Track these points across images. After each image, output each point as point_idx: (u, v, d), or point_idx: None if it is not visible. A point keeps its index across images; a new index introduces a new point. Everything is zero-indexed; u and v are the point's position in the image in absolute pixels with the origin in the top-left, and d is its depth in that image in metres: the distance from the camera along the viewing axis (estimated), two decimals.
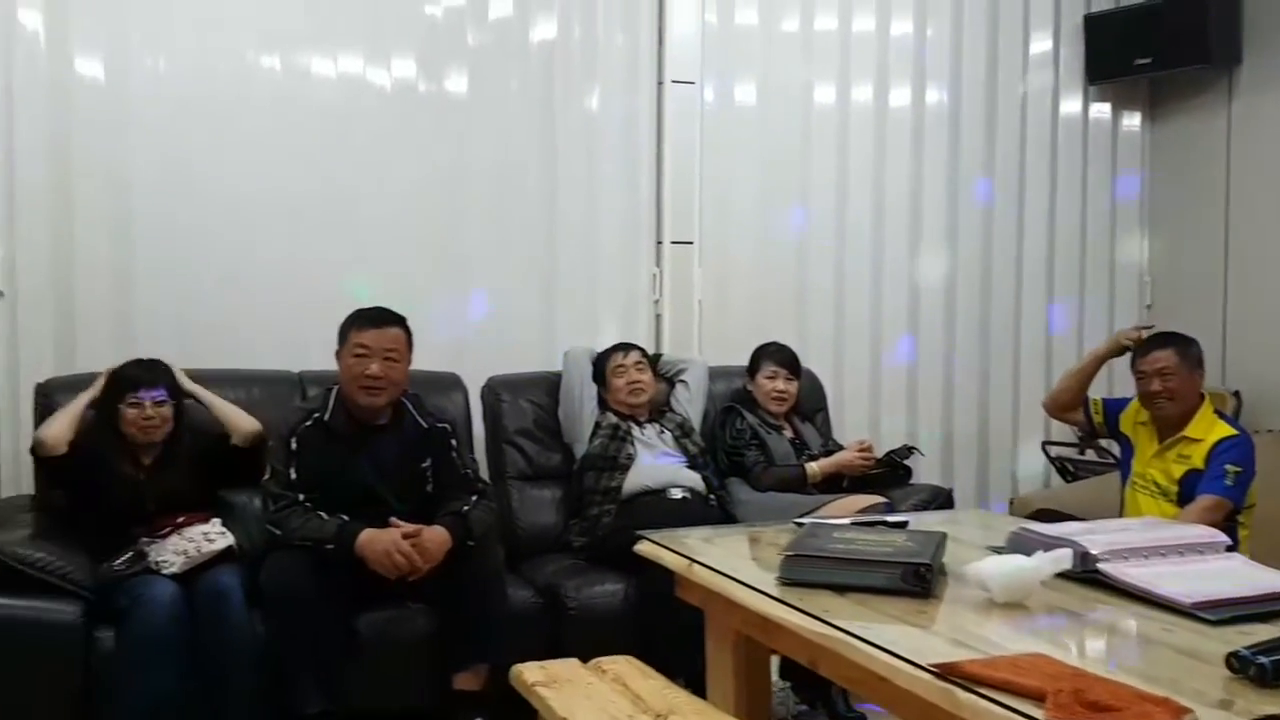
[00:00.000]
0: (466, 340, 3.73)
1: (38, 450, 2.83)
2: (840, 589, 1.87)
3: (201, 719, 2.54)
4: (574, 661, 2.12)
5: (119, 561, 2.63)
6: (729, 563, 2.13)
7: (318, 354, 3.43)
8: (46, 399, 3.01)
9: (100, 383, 2.88)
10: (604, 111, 3.93)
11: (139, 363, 2.90)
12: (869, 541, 2.00)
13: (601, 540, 3.17)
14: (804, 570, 1.91)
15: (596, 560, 3.14)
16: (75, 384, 3.04)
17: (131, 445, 2.82)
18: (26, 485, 3.18)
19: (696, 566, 2.14)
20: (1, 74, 3.20)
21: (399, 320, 2.87)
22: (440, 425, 2.96)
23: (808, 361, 3.77)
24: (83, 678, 2.49)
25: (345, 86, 3.59)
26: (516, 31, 3.79)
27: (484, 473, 3.24)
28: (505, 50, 3.78)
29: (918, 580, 1.85)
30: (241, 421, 2.94)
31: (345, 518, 2.68)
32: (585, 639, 2.76)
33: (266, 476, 2.77)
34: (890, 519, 2.36)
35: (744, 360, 3.70)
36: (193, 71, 3.42)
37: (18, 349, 3.28)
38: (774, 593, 1.88)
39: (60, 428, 2.79)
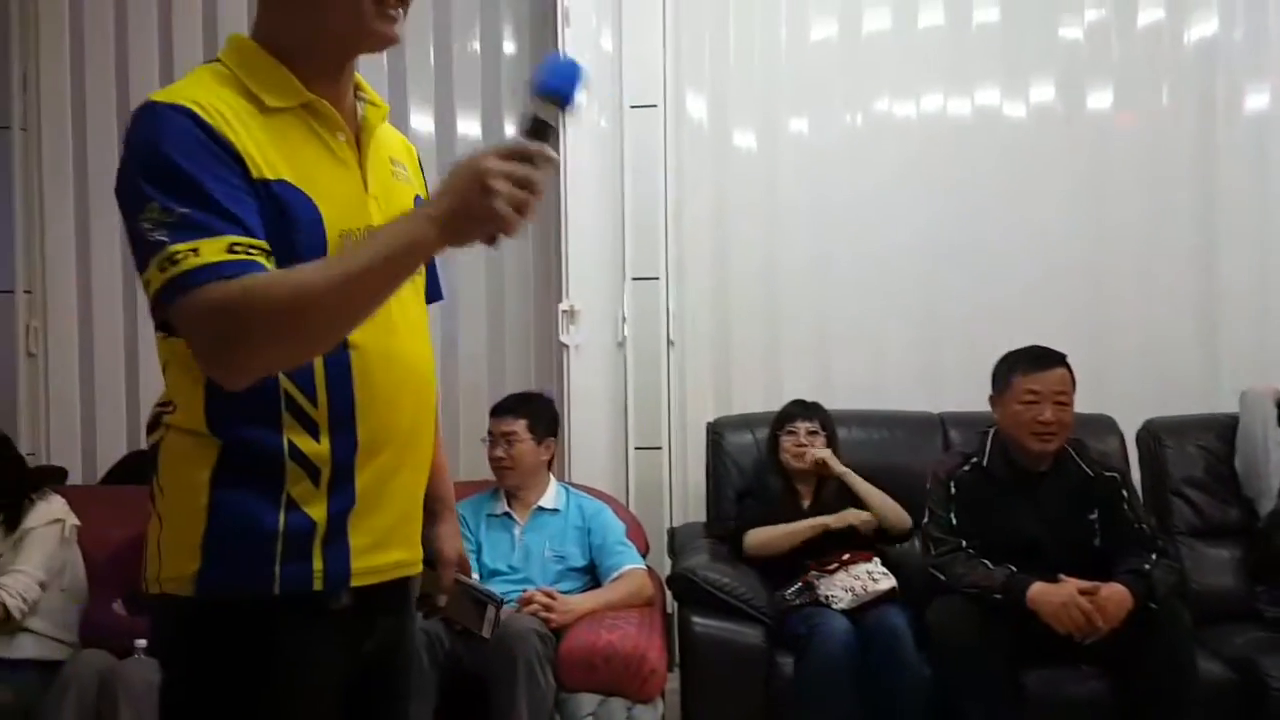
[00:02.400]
0: (1115, 378, 3.42)
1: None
2: None
3: None
4: None
5: (790, 591, 2.78)
6: None
7: (957, 395, 3.41)
8: (717, 436, 3.32)
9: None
10: (1276, 111, 3.40)
11: (798, 401, 3.09)
12: None
13: None
14: None
15: None
16: (740, 423, 3.33)
17: (795, 481, 2.98)
18: (695, 513, 3.55)
19: None
20: (674, 155, 3.62)
21: (1063, 360, 2.72)
22: (1108, 474, 2.74)
23: None
24: (765, 698, 2.66)
25: (981, 120, 3.53)
26: (1168, 36, 3.44)
27: None
28: (1154, 58, 3.46)
29: None
30: (897, 517, 2.90)
31: (1013, 568, 2.57)
32: None
33: (925, 519, 2.76)
34: None
35: None
36: (830, 126, 3.59)
37: (685, 391, 3.67)
38: None
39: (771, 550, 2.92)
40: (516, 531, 2.90)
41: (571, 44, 3.18)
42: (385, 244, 1.11)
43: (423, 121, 3.70)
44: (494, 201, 1.06)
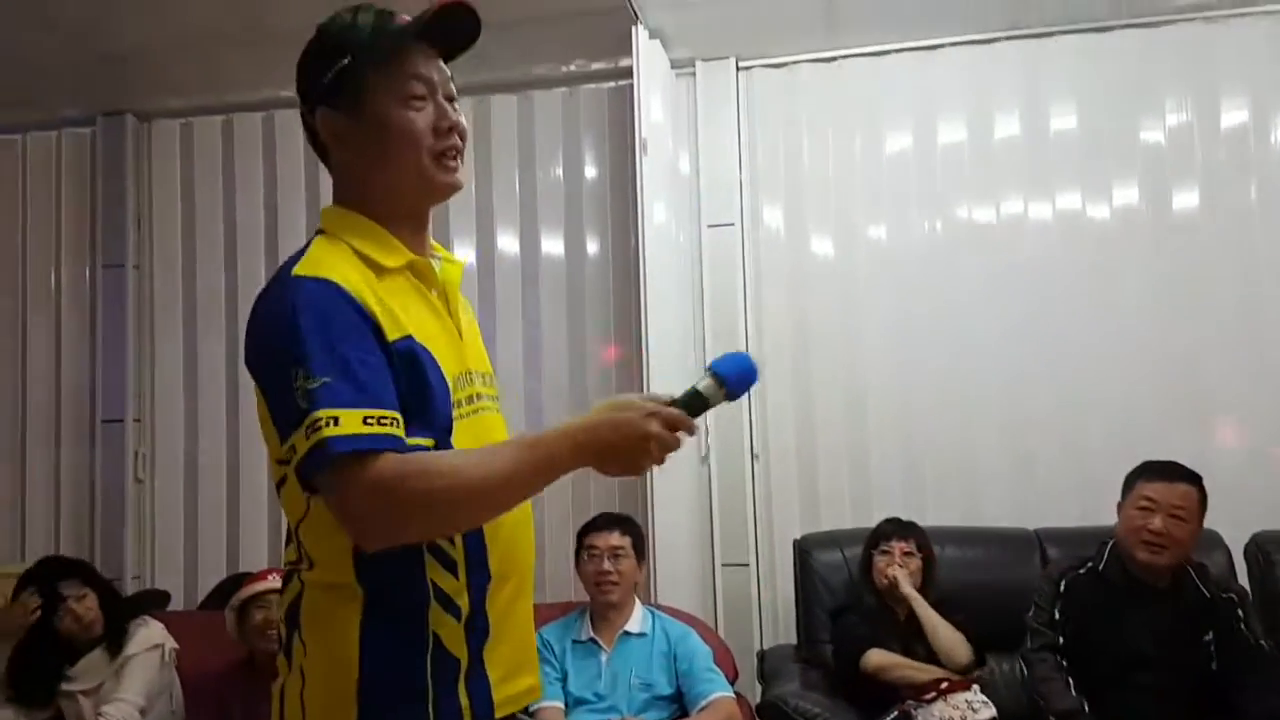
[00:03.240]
0: (1218, 489, 3.23)
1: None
2: None
3: None
4: None
5: None
6: None
7: (1054, 509, 3.30)
8: (805, 554, 3.26)
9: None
10: None
11: (894, 520, 3.03)
12: None
13: None
14: None
15: None
16: (828, 540, 3.27)
17: (890, 601, 2.91)
18: (785, 634, 3.47)
19: None
20: (752, 269, 3.68)
21: (1192, 477, 2.63)
22: (1226, 595, 2.62)
23: None
24: None
25: (1063, 223, 3.49)
26: (1253, 136, 3.39)
27: None
28: (1240, 158, 3.40)
29: None
30: (954, 652, 2.79)
31: (1085, 706, 2.48)
32: None
33: (1030, 612, 2.70)
34: None
35: None
36: (909, 232, 3.59)
37: (771, 505, 3.63)
38: None
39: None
40: (603, 658, 2.86)
41: (649, 170, 3.26)
42: (530, 456, 1.20)
43: (508, 242, 3.83)
44: (644, 460, 1.22)
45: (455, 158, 1.34)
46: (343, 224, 1.33)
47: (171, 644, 2.98)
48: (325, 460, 1.15)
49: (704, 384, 1.25)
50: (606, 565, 2.88)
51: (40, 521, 3.96)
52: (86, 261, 4.03)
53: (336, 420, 1.15)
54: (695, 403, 1.24)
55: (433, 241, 1.43)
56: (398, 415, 1.20)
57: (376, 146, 1.31)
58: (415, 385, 1.24)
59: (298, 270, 1.24)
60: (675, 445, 1.21)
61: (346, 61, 1.31)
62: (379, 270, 1.28)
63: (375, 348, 1.21)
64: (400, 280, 1.31)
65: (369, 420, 1.16)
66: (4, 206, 4.07)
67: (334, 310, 1.20)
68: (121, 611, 2.98)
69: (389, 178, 1.32)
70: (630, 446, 1.20)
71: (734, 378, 1.25)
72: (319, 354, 1.17)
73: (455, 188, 1.35)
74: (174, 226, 4.00)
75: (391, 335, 1.23)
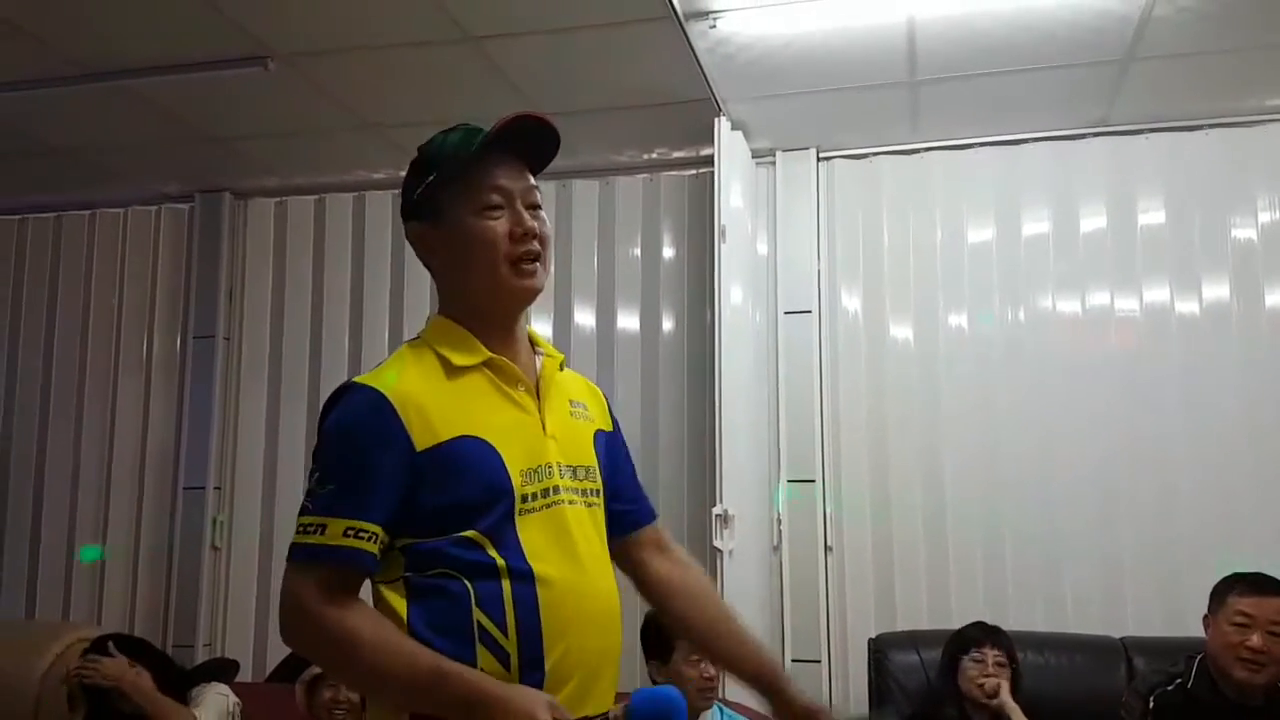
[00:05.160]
0: None
1: None
2: None
3: None
4: None
5: None
6: None
7: (1139, 614, 3.17)
8: (880, 654, 3.15)
9: None
10: None
11: (980, 624, 2.91)
12: None
13: None
14: None
15: None
16: (905, 641, 3.16)
17: (971, 711, 2.78)
18: None
19: None
20: (828, 356, 3.65)
21: None
22: None
23: None
24: None
25: (1151, 317, 3.41)
26: None
27: None
28: None
29: None
30: None
31: None
32: None
33: None
34: None
35: None
36: (993, 322, 3.53)
37: (845, 600, 3.53)
38: None
39: None
40: None
41: (727, 255, 3.27)
42: (423, 682, 1.24)
43: (585, 316, 3.86)
44: None
45: (533, 262, 1.40)
46: (435, 330, 1.43)
47: (234, 699, 3.00)
48: (296, 557, 1.29)
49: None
50: (712, 670, 2.81)
51: (118, 584, 4.03)
52: (178, 331, 4.15)
53: (323, 529, 1.26)
54: None
55: (537, 336, 1.49)
56: (379, 530, 1.28)
57: (459, 253, 1.40)
58: (451, 480, 1.30)
59: (359, 378, 1.36)
60: None
61: (431, 178, 1.41)
62: (451, 370, 1.36)
63: (393, 463, 1.28)
64: (474, 378, 1.37)
65: (349, 532, 1.26)
66: (103, 275, 4.25)
67: (367, 420, 1.30)
68: (179, 680, 2.99)
69: (471, 283, 1.40)
70: None
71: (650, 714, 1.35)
72: (335, 461, 1.29)
73: (533, 291, 1.41)
74: (264, 300, 4.12)
75: (424, 444, 1.30)
